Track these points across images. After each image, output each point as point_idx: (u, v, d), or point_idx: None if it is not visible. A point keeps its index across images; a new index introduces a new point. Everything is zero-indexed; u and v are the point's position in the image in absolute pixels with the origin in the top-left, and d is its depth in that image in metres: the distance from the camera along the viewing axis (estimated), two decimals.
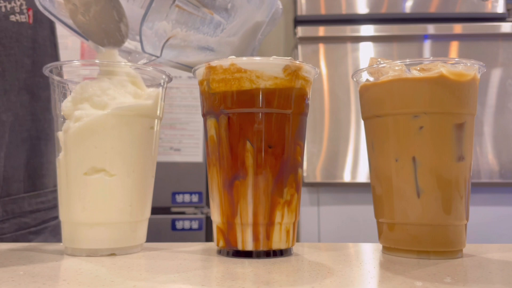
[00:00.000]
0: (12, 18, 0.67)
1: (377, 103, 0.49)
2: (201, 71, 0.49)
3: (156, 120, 0.52)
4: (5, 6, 0.66)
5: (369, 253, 0.51)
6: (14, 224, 0.69)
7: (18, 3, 0.67)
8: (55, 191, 0.74)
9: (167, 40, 0.50)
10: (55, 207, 0.75)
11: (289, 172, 0.47)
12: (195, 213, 1.61)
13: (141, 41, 0.48)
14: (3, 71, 0.66)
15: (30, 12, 0.69)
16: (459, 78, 0.46)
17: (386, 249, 0.50)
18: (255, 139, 0.46)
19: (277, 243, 0.47)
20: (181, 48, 0.53)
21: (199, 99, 0.52)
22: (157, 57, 0.51)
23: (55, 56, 0.75)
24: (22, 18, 0.67)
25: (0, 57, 0.66)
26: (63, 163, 0.49)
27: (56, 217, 0.75)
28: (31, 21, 0.69)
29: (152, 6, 0.47)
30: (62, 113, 0.49)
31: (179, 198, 1.61)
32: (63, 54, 0.79)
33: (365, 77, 0.51)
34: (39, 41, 0.71)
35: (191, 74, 0.51)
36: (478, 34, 1.59)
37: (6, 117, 0.67)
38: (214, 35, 0.55)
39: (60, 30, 0.75)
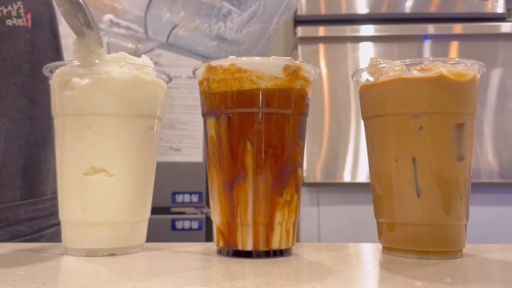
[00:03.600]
0: (9, 22, 0.65)
1: (377, 103, 0.49)
2: (201, 71, 0.49)
3: (156, 120, 0.52)
4: (1, 11, 0.65)
5: (369, 253, 0.51)
6: (8, 232, 0.67)
7: (15, 6, 0.66)
8: (53, 198, 0.73)
9: (174, 27, 0.51)
10: (52, 214, 0.73)
11: (289, 172, 0.47)
12: (195, 213, 1.61)
13: (145, 27, 0.49)
14: None
15: (29, 16, 0.67)
16: (459, 78, 0.46)
17: (386, 249, 0.50)
18: (255, 139, 0.46)
19: (277, 243, 0.47)
20: (191, 36, 0.54)
21: (199, 99, 0.52)
22: (164, 42, 0.52)
23: (57, 60, 0.72)
24: (20, 22, 0.66)
25: None
26: (62, 163, 0.49)
27: (54, 225, 0.74)
28: (29, 24, 0.67)
29: None
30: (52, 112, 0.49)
31: (179, 198, 1.61)
32: (63, 54, 0.78)
33: (365, 77, 0.51)
34: (39, 44, 0.69)
35: (191, 74, 0.52)
36: (478, 34, 1.59)
37: (2, 122, 0.66)
38: (225, 24, 0.55)
39: (62, 30, 0.74)
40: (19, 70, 0.67)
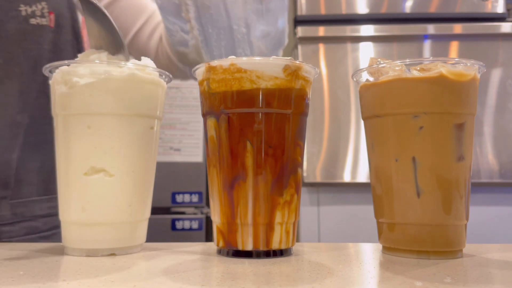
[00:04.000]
0: (33, 21, 0.66)
1: (377, 103, 0.49)
2: (201, 71, 0.49)
3: (156, 120, 0.52)
4: (26, 10, 0.65)
5: (369, 253, 0.51)
6: (24, 228, 0.68)
7: (40, 6, 0.66)
8: None
9: None
10: None
11: (289, 172, 0.47)
12: (195, 213, 1.61)
13: None
14: (20, 73, 0.66)
15: (52, 16, 0.68)
16: (459, 78, 0.46)
17: (386, 249, 0.50)
18: (255, 140, 0.46)
19: (277, 243, 0.47)
20: None
21: (199, 99, 0.52)
22: None
23: None
24: (43, 21, 0.67)
25: (19, 59, 0.65)
26: (62, 163, 0.49)
27: None
28: (52, 25, 0.68)
29: None
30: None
31: (179, 198, 1.61)
32: None
33: (365, 77, 0.51)
34: (61, 45, 0.70)
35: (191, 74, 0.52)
36: (478, 34, 1.59)
37: (21, 118, 0.66)
38: None
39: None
40: (41, 69, 0.68)
